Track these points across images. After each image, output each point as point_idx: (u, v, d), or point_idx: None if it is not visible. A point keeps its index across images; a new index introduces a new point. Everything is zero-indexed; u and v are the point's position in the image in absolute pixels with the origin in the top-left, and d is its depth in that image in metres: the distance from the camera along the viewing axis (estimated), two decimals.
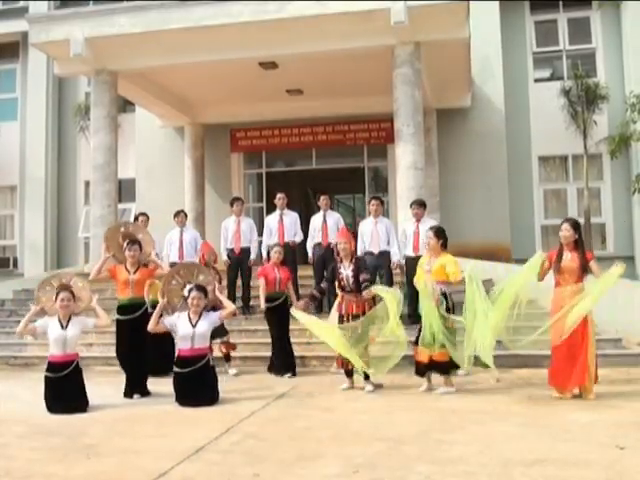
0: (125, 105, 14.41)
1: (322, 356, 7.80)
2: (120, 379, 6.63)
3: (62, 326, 5.88)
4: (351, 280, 6.53)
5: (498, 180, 13.13)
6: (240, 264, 9.28)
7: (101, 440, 4.68)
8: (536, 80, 14.20)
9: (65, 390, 5.75)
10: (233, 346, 7.73)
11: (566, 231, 5.94)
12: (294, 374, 7.36)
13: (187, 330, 6.06)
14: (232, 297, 8.54)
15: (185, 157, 13.97)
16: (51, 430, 5.03)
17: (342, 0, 9.38)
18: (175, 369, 6.07)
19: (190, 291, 6.19)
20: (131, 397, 6.38)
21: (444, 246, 6.49)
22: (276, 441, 4.53)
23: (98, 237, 10.47)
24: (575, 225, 5.98)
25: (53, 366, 5.85)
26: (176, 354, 6.20)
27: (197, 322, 6.09)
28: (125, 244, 6.69)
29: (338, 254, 6.81)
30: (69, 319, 5.93)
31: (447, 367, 6.24)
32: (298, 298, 8.11)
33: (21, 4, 15.96)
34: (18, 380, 7.72)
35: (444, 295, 6.25)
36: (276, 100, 12.98)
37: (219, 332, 7.13)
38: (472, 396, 6.07)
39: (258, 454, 4.19)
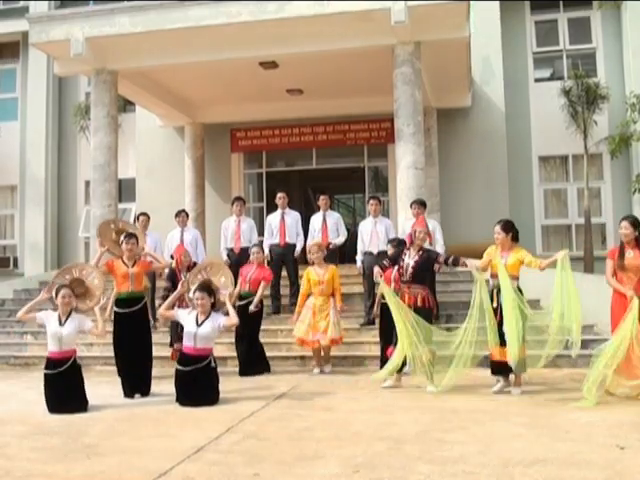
0: (125, 105, 14.38)
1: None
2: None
3: (60, 322, 5.87)
4: (410, 270, 6.45)
5: (498, 180, 13.10)
6: (239, 264, 9.27)
7: (101, 440, 4.69)
8: (536, 80, 14.18)
9: (64, 388, 5.75)
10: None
11: (625, 229, 5.94)
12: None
13: (191, 329, 6.08)
14: None
15: (185, 157, 13.96)
16: (51, 430, 5.03)
17: (342, 0, 9.38)
18: (177, 366, 6.09)
19: (195, 291, 6.21)
20: (132, 397, 6.37)
21: (516, 239, 6.31)
22: (276, 441, 4.53)
23: None
24: (634, 222, 5.97)
25: (51, 362, 5.86)
26: (181, 350, 6.24)
27: (203, 322, 6.09)
28: (122, 237, 6.70)
29: (411, 240, 6.64)
30: (68, 315, 5.92)
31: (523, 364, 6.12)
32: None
33: (21, 4, 15.92)
34: (18, 380, 7.72)
35: (519, 289, 6.17)
36: (276, 100, 12.97)
37: None
38: (472, 396, 6.07)
39: (258, 454, 4.19)
